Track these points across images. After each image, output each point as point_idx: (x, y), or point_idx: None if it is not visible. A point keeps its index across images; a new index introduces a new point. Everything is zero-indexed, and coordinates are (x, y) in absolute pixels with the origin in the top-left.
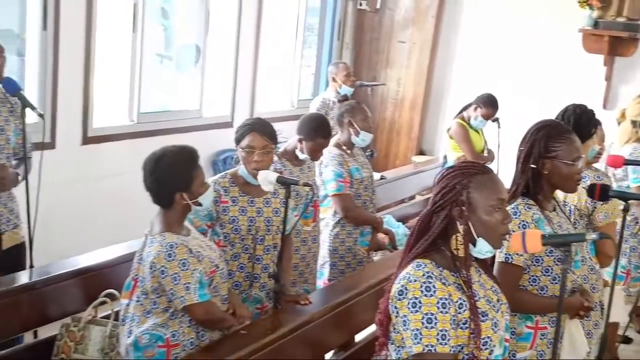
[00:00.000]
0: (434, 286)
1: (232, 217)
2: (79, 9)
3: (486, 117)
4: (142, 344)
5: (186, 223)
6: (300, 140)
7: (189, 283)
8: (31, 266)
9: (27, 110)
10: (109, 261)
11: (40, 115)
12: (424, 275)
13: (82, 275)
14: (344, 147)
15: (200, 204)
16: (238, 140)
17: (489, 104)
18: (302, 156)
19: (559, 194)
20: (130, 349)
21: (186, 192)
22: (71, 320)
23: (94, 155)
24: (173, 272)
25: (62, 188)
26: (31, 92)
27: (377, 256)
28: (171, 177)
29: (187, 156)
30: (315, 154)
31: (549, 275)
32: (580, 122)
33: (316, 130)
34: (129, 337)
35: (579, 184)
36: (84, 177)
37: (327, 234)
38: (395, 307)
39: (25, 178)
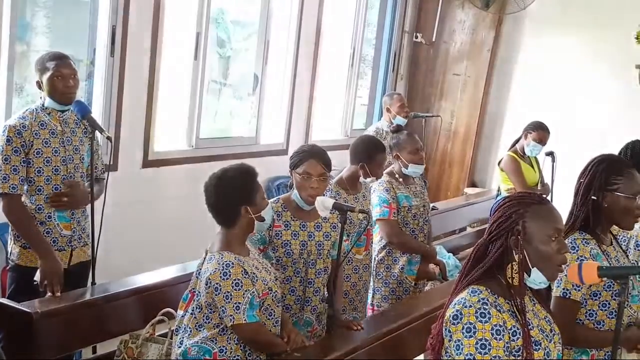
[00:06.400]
0: (489, 312)
1: (284, 241)
2: (145, 36)
3: (539, 141)
4: (191, 356)
5: (247, 243)
6: (362, 167)
7: (239, 303)
8: (93, 283)
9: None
10: (165, 281)
11: (109, 139)
12: (479, 301)
13: (139, 294)
14: (397, 176)
15: (263, 219)
16: (294, 166)
17: (538, 127)
18: (368, 180)
19: None
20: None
21: (250, 205)
22: (129, 337)
23: (154, 178)
24: (226, 291)
25: (123, 209)
26: (96, 115)
27: (427, 286)
28: (236, 190)
29: (247, 170)
30: (379, 171)
31: (605, 310)
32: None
33: (370, 149)
34: (179, 347)
35: (637, 221)
36: (143, 199)
37: (372, 258)
38: (449, 332)
39: (97, 198)
